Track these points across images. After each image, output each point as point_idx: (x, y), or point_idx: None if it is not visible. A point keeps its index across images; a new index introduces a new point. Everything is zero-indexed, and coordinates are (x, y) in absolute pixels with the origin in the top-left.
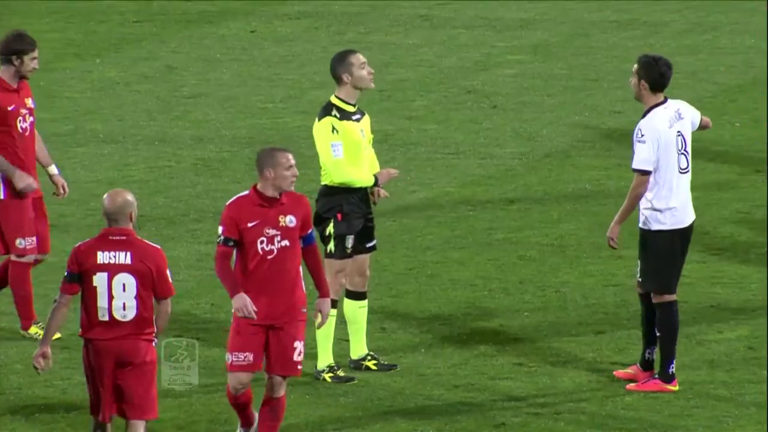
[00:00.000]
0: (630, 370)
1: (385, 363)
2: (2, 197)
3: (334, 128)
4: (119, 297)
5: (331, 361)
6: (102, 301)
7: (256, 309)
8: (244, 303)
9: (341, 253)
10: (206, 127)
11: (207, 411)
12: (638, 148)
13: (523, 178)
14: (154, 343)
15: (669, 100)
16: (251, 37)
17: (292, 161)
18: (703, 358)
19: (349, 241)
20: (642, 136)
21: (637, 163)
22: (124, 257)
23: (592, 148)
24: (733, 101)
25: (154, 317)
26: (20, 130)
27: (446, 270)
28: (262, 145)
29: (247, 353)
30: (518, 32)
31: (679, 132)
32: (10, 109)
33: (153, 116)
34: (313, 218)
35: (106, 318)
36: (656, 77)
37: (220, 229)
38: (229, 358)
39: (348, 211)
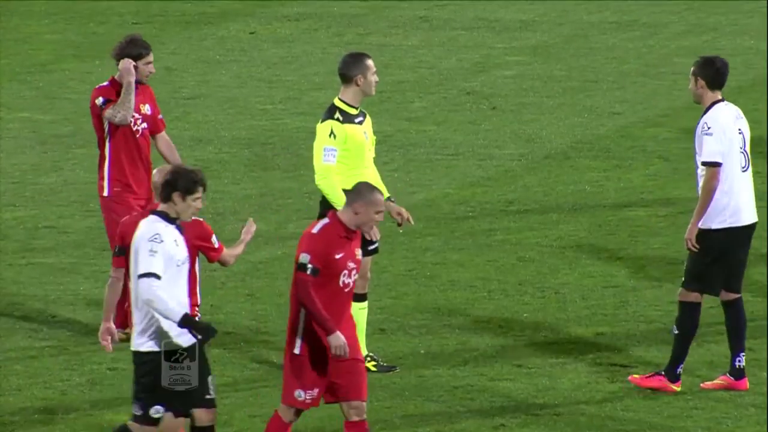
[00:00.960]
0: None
1: (385, 364)
2: (106, 194)
3: (332, 132)
4: None
5: (365, 351)
6: None
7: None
8: (343, 342)
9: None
10: (205, 129)
11: None
12: (706, 140)
13: (522, 180)
14: (197, 318)
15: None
16: (250, 38)
17: (383, 207)
18: (703, 359)
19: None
20: (708, 129)
21: (707, 156)
22: None
23: (592, 150)
24: (733, 102)
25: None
26: (133, 132)
27: (445, 271)
28: (261, 147)
29: (317, 389)
30: (517, 33)
31: (740, 130)
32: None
33: None
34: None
35: None
36: (713, 74)
37: (305, 257)
38: (301, 395)
39: None
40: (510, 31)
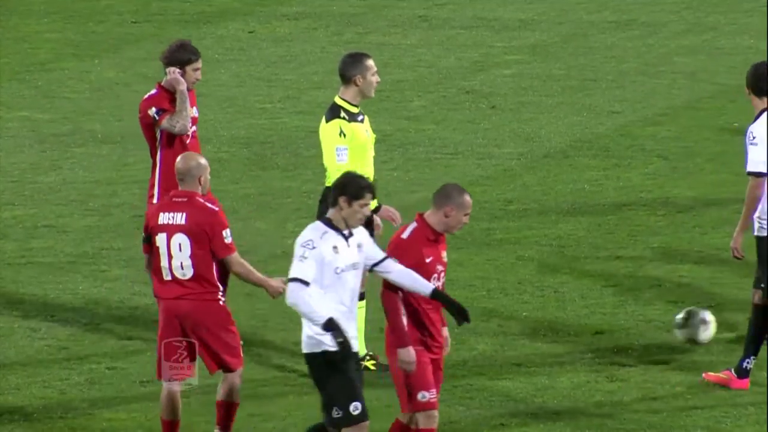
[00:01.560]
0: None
1: (385, 363)
2: (156, 202)
3: (342, 132)
4: (177, 257)
5: (364, 350)
6: (163, 261)
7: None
8: (413, 360)
9: None
10: (204, 128)
11: (207, 411)
12: (750, 150)
13: (521, 179)
14: (221, 302)
15: None
16: (249, 37)
17: (471, 209)
18: (703, 358)
19: None
20: (753, 138)
21: (751, 166)
22: (180, 218)
23: (591, 149)
24: (733, 101)
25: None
26: (183, 139)
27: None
28: (260, 146)
29: (434, 389)
30: (516, 32)
31: None
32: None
33: None
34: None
35: (169, 277)
36: (755, 82)
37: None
38: (425, 396)
39: None
40: (509, 30)
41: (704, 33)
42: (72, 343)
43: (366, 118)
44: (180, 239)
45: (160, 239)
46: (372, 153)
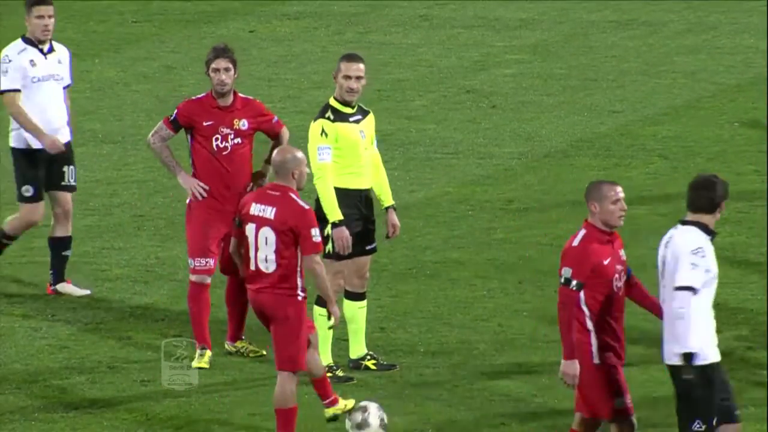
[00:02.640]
0: None
1: (385, 363)
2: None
3: (323, 131)
4: (262, 249)
5: (330, 360)
6: (251, 251)
7: None
8: (575, 373)
9: (339, 254)
10: None
11: (207, 411)
12: None
13: (522, 178)
14: (299, 297)
15: None
16: (250, 37)
17: (620, 194)
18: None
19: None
20: None
21: None
22: (270, 212)
23: (591, 148)
24: (733, 101)
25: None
26: (214, 149)
27: (445, 270)
28: (261, 145)
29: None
30: (517, 32)
31: None
32: (205, 124)
33: (152, 116)
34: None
35: (253, 267)
36: None
37: (568, 272)
38: (622, 402)
39: (344, 213)
40: (510, 30)
41: (705, 32)
42: (73, 343)
43: (369, 117)
44: (266, 233)
45: (249, 229)
46: (370, 153)
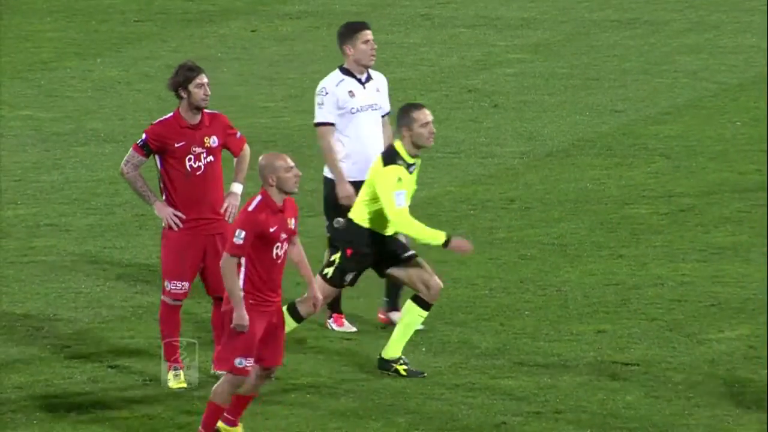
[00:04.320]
0: None
1: (414, 369)
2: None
3: (400, 178)
4: None
5: (398, 353)
6: None
7: None
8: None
9: (335, 282)
10: None
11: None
12: None
13: (523, 177)
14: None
15: None
16: (252, 36)
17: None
18: (704, 357)
19: (348, 277)
20: None
21: None
22: None
23: (593, 147)
24: (734, 100)
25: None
26: (188, 169)
27: (447, 269)
28: (263, 145)
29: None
30: (519, 31)
31: None
32: (177, 145)
33: (154, 115)
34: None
35: None
36: None
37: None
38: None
39: (358, 249)
40: (511, 29)
41: (707, 32)
42: (74, 341)
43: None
44: None
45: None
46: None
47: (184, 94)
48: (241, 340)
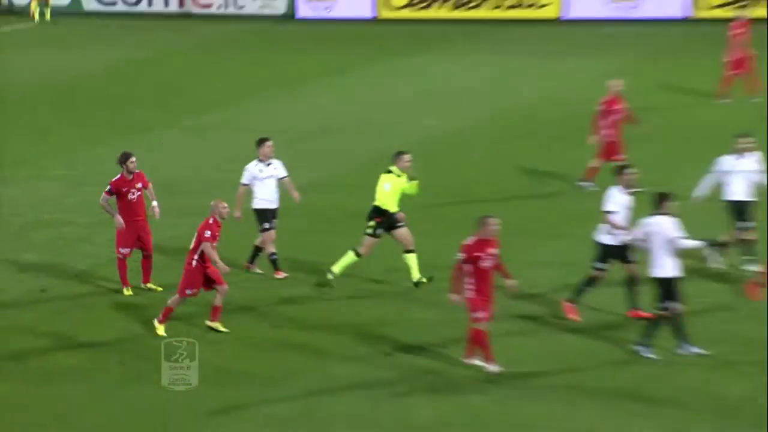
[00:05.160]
0: None
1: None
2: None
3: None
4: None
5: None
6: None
7: None
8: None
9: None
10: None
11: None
12: None
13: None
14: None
15: None
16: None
17: None
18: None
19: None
20: None
21: None
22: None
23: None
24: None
25: None
26: (129, 199)
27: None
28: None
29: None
30: None
31: None
32: (123, 189)
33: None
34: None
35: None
36: None
37: None
38: None
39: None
40: None
41: None
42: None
43: None
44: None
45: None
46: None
47: (123, 165)
48: None
